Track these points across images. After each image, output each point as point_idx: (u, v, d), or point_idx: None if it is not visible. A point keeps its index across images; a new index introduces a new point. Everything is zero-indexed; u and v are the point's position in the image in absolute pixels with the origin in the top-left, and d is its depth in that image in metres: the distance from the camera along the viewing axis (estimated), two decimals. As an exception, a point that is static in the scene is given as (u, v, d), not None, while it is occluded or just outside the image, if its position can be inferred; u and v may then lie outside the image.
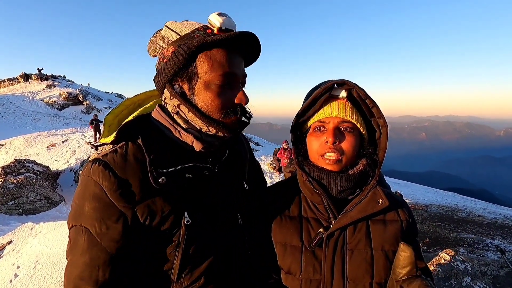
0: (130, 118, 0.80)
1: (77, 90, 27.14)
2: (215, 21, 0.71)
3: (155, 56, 0.79)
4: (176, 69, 0.72)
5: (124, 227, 0.69)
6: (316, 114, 0.86)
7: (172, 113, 0.79)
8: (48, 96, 26.03)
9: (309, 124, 0.89)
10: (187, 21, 0.77)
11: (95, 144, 0.81)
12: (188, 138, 0.78)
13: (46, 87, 28.60)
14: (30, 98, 25.68)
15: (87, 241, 0.69)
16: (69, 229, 0.73)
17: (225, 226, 0.83)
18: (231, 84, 0.76)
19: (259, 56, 0.82)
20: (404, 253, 0.75)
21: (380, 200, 0.83)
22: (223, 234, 0.82)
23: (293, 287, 0.86)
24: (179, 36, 0.73)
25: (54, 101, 25.24)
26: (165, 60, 0.74)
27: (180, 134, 0.78)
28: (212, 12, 0.73)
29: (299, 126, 0.93)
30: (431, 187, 14.64)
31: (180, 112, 0.77)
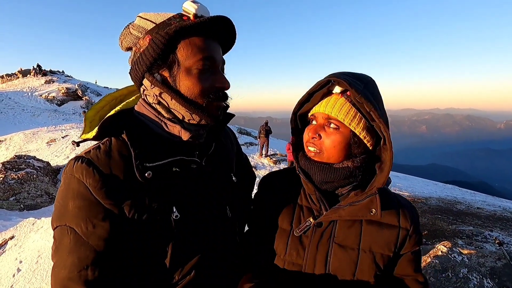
0: (112, 112, 0.78)
1: (76, 85, 27.03)
2: (190, 7, 0.70)
3: (128, 49, 0.77)
4: (156, 56, 0.70)
5: (112, 224, 0.68)
6: (314, 107, 0.87)
7: (153, 104, 0.76)
8: (47, 92, 25.94)
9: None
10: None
11: (76, 141, 0.77)
12: (175, 129, 0.76)
13: (45, 83, 28.51)
14: (29, 94, 25.60)
15: (73, 240, 0.67)
16: (53, 229, 0.71)
17: (214, 219, 0.83)
18: (212, 69, 0.75)
19: (235, 42, 0.82)
20: None
21: (374, 210, 0.81)
22: (213, 227, 0.82)
23: (277, 265, 0.89)
24: (155, 25, 0.72)
25: (53, 96, 25.16)
26: (141, 50, 0.72)
27: (166, 126, 0.77)
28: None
29: (301, 118, 0.95)
30: (432, 180, 14.67)
31: (162, 101, 0.74)
